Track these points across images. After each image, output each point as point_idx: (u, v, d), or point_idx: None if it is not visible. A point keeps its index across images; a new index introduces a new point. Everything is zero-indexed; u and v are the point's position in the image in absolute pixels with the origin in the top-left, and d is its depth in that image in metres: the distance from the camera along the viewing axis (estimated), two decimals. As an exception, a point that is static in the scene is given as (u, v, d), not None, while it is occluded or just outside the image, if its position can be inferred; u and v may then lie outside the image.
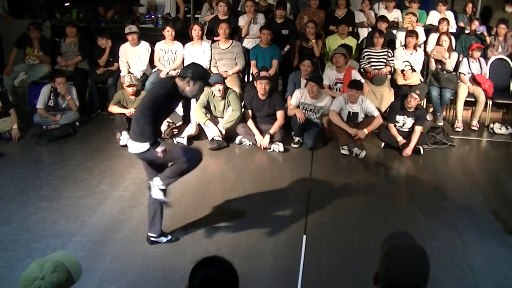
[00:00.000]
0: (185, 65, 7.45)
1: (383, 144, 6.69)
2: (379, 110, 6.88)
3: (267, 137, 6.48)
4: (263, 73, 6.61)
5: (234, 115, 6.57)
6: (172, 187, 5.41)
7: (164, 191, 4.14)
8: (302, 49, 7.83)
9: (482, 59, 7.74)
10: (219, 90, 6.46)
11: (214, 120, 6.65)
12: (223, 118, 6.69)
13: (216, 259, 2.06)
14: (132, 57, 7.52)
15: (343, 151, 6.42)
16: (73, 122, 6.86)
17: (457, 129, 7.42)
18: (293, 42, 7.90)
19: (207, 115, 6.57)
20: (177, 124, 6.65)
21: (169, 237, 4.42)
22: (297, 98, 6.74)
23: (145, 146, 3.95)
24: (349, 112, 6.56)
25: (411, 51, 7.73)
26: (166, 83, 4.09)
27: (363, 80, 7.11)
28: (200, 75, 3.98)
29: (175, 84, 3.98)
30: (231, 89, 6.74)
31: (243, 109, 6.76)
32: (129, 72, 7.24)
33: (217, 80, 6.47)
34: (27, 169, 5.74)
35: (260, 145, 6.47)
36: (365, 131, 6.38)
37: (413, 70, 7.64)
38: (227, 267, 2.03)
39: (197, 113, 6.53)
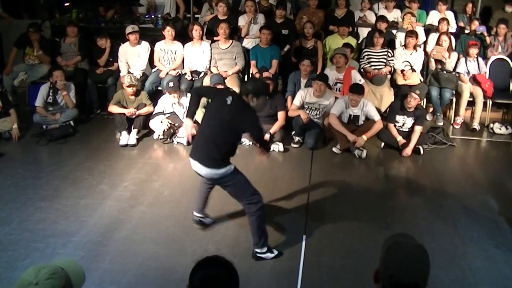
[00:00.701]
0: (184, 64, 7.50)
1: (383, 144, 6.69)
2: (378, 110, 6.88)
3: (267, 136, 6.47)
4: (265, 74, 6.62)
5: (234, 115, 6.56)
6: (172, 187, 5.44)
7: (266, 250, 4.22)
8: (301, 49, 7.83)
9: (480, 58, 7.74)
10: (221, 90, 6.47)
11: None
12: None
13: (217, 259, 2.06)
14: (132, 57, 7.52)
15: (334, 150, 6.43)
16: (70, 121, 6.84)
17: (455, 126, 7.44)
18: (293, 42, 7.90)
19: (207, 115, 6.57)
20: (177, 124, 6.64)
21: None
22: (301, 98, 6.73)
23: (229, 169, 4.02)
24: (350, 115, 6.55)
25: (411, 51, 7.73)
26: (251, 113, 4.00)
27: (363, 81, 7.11)
28: (260, 90, 4.01)
29: (248, 103, 4.00)
30: (231, 89, 6.74)
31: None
32: (128, 72, 7.24)
33: (217, 80, 6.48)
34: (27, 169, 5.74)
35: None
36: (364, 137, 6.37)
37: (413, 70, 7.64)
38: (228, 267, 2.03)
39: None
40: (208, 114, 4.14)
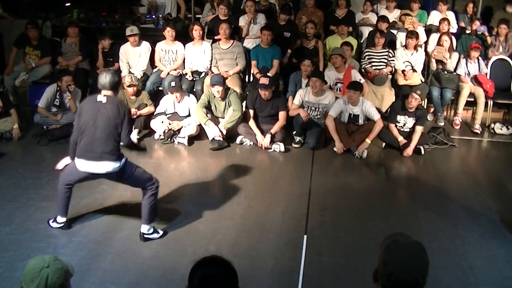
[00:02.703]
0: (185, 65, 7.50)
1: (384, 144, 6.69)
2: (379, 110, 6.88)
3: (268, 136, 6.48)
4: (262, 80, 6.52)
5: (235, 115, 6.56)
6: (173, 186, 5.45)
7: (153, 231, 4.44)
8: (302, 49, 7.83)
9: (481, 59, 7.73)
10: (218, 92, 6.45)
11: (215, 120, 6.65)
12: (224, 118, 6.69)
13: (215, 259, 2.06)
14: (133, 57, 7.52)
15: (335, 150, 6.43)
16: (72, 122, 6.84)
17: (455, 126, 7.45)
18: (294, 44, 7.87)
19: (208, 115, 6.57)
20: (179, 127, 6.65)
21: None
22: (300, 97, 6.74)
23: (124, 161, 4.23)
24: (350, 114, 6.54)
25: (411, 51, 7.72)
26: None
27: (363, 80, 7.10)
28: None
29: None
30: (232, 89, 6.74)
31: (244, 109, 6.77)
32: (129, 72, 7.24)
33: (216, 81, 6.46)
34: (28, 169, 5.74)
35: (261, 145, 6.48)
36: (368, 141, 6.37)
37: (414, 70, 7.64)
38: (227, 266, 2.03)
39: (197, 113, 6.53)
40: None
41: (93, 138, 4.13)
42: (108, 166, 4.14)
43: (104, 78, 4.21)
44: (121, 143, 4.25)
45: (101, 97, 4.19)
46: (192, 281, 2.00)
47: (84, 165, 4.18)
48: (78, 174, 4.29)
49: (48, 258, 2.22)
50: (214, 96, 6.58)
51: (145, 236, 4.39)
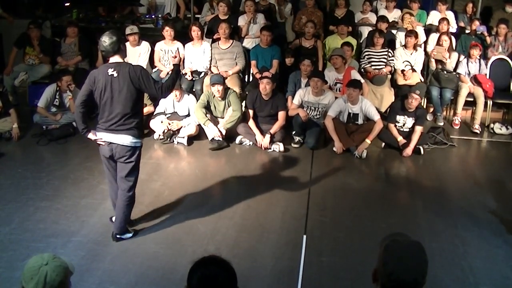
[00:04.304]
0: (185, 65, 7.49)
1: (383, 144, 6.69)
2: (379, 110, 6.87)
3: (268, 136, 6.47)
4: (265, 73, 6.61)
5: (234, 115, 6.56)
6: (173, 187, 5.44)
7: (125, 231, 4.43)
8: (301, 48, 7.82)
9: (482, 60, 7.73)
10: (219, 91, 6.45)
11: (214, 120, 6.65)
12: (223, 118, 6.69)
13: (214, 259, 2.06)
14: (132, 58, 7.50)
15: (335, 149, 6.43)
16: (72, 122, 6.84)
17: (454, 126, 7.45)
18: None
19: (207, 115, 6.57)
20: (178, 127, 6.64)
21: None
22: (300, 97, 6.74)
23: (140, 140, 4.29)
24: (350, 113, 6.54)
25: (411, 51, 7.73)
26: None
27: (363, 80, 7.10)
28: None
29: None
30: (231, 89, 6.74)
31: (243, 109, 6.77)
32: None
33: (216, 81, 6.46)
34: (27, 169, 5.74)
35: (261, 145, 6.47)
36: (368, 141, 6.37)
37: (413, 70, 7.64)
38: (226, 266, 2.03)
39: (197, 113, 6.53)
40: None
41: (110, 115, 4.15)
42: (125, 139, 4.14)
43: (104, 44, 4.03)
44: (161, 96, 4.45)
45: (111, 70, 4.06)
46: (191, 281, 2.00)
47: (105, 136, 4.21)
48: (103, 159, 4.33)
49: (47, 256, 2.24)
50: (214, 96, 6.58)
51: (118, 236, 4.38)
